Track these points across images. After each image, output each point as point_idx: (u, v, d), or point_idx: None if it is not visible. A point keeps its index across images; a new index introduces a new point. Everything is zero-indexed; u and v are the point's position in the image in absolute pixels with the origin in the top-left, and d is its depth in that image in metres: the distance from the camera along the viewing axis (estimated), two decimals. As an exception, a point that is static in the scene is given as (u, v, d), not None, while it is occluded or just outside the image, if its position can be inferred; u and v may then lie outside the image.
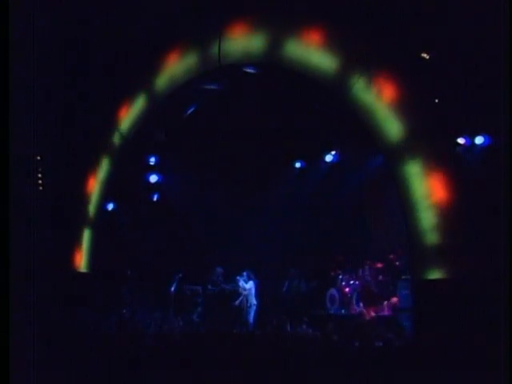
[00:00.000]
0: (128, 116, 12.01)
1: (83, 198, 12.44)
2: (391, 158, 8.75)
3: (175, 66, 11.13)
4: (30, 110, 8.50)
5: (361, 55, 8.82)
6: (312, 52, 9.21)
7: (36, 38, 8.27)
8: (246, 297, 11.97)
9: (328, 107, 10.05)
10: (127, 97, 12.06)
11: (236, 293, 12.09)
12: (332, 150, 13.01)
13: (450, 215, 7.97)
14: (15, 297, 6.37)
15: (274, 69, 9.84)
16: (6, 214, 6.31)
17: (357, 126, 9.15)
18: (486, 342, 6.93)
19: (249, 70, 10.40)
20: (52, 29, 10.24)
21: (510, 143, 6.62)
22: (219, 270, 12.61)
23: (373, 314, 10.76)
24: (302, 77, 9.31)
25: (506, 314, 6.25)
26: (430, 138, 8.36)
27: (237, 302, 11.96)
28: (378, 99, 8.63)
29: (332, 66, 9.04)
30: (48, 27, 9.88)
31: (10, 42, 6.44)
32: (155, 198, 13.75)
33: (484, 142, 9.79)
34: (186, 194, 13.76)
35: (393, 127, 8.55)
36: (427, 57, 8.90)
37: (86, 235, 12.38)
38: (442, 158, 8.18)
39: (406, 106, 8.47)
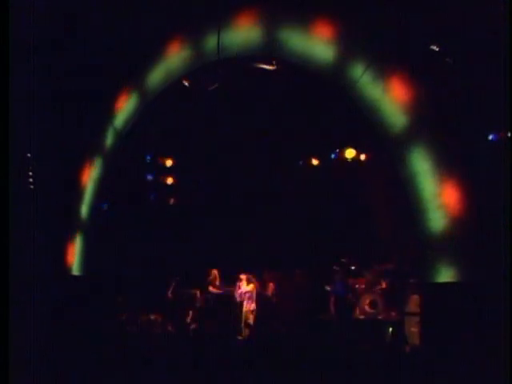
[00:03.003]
0: (122, 112, 11.98)
1: (76, 198, 12.42)
2: (398, 155, 8.75)
3: (172, 60, 11.11)
4: (21, 108, 8.50)
5: (365, 47, 8.82)
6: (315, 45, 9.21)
7: (28, 35, 8.32)
8: (246, 301, 11.96)
9: (333, 104, 10.05)
10: (122, 93, 12.03)
11: (235, 296, 12.09)
12: (337, 148, 13.03)
13: (460, 216, 7.96)
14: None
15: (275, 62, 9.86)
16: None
17: (362, 123, 9.15)
18: (498, 348, 6.92)
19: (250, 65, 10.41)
20: (43, 24, 10.23)
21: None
22: (215, 272, 12.60)
23: (379, 317, 10.80)
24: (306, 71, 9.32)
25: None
26: (438, 134, 8.36)
27: (236, 305, 11.95)
28: (385, 93, 8.63)
29: (334, 59, 9.03)
30: (40, 23, 9.87)
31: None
32: (152, 198, 13.74)
33: (495, 139, 9.77)
34: (184, 193, 13.78)
35: (400, 123, 8.55)
36: (437, 49, 8.85)
37: (79, 236, 12.35)
38: (452, 156, 8.18)
39: (414, 100, 8.47)
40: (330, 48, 9.07)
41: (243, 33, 9.97)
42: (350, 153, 12.82)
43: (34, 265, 10.01)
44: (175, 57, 11.04)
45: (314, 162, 13.87)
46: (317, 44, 9.17)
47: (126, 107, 11.94)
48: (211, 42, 10.28)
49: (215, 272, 12.65)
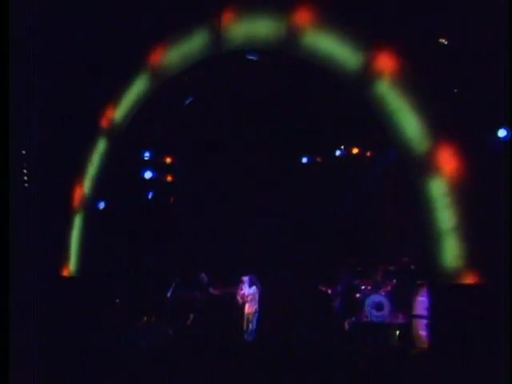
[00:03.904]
0: (120, 108, 12.03)
1: (72, 197, 12.47)
2: (406, 152, 8.81)
3: (171, 54, 11.17)
4: (15, 104, 8.57)
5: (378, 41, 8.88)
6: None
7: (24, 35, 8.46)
8: (249, 303, 12.01)
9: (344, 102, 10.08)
10: (119, 88, 12.08)
11: (234, 298, 12.14)
12: (342, 145, 13.07)
13: (471, 215, 8.01)
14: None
15: (281, 57, 9.89)
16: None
17: (370, 121, 9.21)
18: (508, 351, 6.97)
19: (252, 57, 10.44)
20: (39, 25, 10.34)
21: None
22: (203, 275, 12.66)
23: (386, 320, 10.84)
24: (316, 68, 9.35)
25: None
26: (447, 131, 8.43)
27: (236, 308, 12.00)
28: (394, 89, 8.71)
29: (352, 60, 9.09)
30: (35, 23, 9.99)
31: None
32: (150, 196, 13.77)
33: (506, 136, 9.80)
34: (183, 191, 13.81)
35: (410, 121, 8.60)
36: (446, 43, 8.91)
37: (75, 236, 12.40)
38: (463, 153, 8.23)
39: (423, 98, 8.54)
40: (350, 49, 9.14)
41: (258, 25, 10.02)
42: (356, 151, 12.90)
43: (30, 265, 10.08)
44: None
45: (319, 159, 13.92)
46: (336, 44, 9.26)
47: (123, 102, 12.02)
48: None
49: (204, 275, 12.71)
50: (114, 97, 12.09)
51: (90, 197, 12.41)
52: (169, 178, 13.95)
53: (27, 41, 9.37)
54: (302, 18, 9.50)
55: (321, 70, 9.39)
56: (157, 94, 11.65)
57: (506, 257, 7.39)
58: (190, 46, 10.87)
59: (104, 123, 12.24)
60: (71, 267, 12.20)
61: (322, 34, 9.28)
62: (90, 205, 12.42)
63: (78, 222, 12.35)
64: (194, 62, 10.90)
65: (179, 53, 11.00)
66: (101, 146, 12.30)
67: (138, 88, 11.73)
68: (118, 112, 12.05)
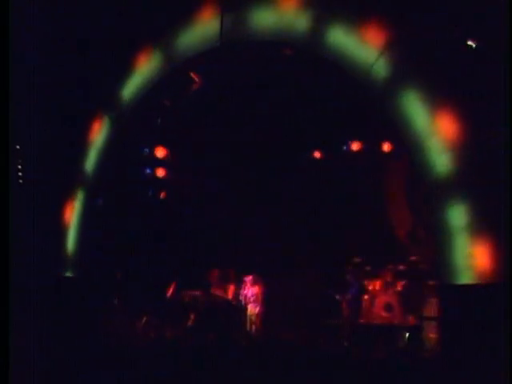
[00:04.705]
0: (118, 102, 12.03)
1: (68, 193, 12.48)
2: (415, 148, 8.82)
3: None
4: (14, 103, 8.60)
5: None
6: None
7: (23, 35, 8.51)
8: (252, 303, 12.04)
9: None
10: (117, 83, 12.09)
11: (236, 299, 12.17)
12: (349, 140, 13.09)
13: (483, 211, 8.00)
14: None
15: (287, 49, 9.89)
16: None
17: (380, 116, 9.22)
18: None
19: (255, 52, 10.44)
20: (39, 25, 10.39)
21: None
22: (207, 275, 12.69)
23: (395, 322, 10.85)
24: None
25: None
26: (459, 127, 8.44)
27: (238, 309, 12.03)
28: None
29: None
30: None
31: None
32: (150, 193, 13.79)
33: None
34: (184, 188, 13.81)
35: (420, 117, 8.61)
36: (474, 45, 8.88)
37: (72, 234, 12.41)
38: (475, 149, 8.23)
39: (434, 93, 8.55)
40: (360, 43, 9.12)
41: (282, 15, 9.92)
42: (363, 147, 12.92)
43: (20, 266, 10.11)
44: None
45: (324, 155, 13.93)
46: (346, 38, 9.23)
47: (122, 96, 12.02)
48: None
49: (215, 273, 12.72)
50: (113, 94, 12.12)
51: (88, 195, 12.43)
52: (169, 175, 13.94)
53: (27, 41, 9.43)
54: (309, 9, 9.51)
55: (329, 63, 9.40)
56: (157, 89, 11.67)
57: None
58: (192, 39, 10.88)
59: (102, 120, 12.27)
60: (71, 266, 12.23)
61: (330, 27, 9.28)
62: (88, 203, 12.44)
63: (76, 221, 12.38)
64: (196, 53, 10.92)
65: (182, 44, 11.01)
66: (99, 143, 12.33)
67: (138, 82, 11.75)
68: (118, 108, 12.08)
